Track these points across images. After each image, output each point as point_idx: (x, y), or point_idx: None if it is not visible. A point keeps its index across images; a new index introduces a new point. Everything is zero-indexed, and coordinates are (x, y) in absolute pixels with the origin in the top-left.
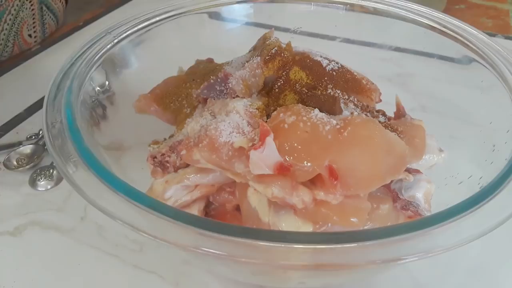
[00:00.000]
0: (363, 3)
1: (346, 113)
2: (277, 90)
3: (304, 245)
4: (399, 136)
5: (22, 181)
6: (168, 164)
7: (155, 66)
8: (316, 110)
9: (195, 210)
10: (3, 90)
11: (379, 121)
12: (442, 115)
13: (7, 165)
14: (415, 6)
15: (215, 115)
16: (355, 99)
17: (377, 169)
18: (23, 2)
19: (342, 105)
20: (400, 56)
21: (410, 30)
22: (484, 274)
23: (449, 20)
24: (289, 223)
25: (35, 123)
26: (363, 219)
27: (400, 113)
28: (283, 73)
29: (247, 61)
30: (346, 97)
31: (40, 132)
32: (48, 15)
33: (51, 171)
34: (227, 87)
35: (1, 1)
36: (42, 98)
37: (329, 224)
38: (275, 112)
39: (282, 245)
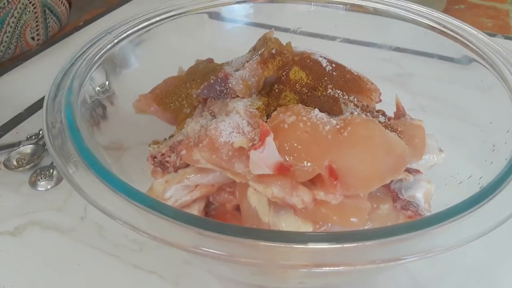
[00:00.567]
0: (363, 3)
1: (346, 113)
2: (277, 90)
3: (304, 245)
4: (399, 136)
5: (22, 181)
6: (168, 164)
7: (155, 66)
8: (316, 110)
9: (195, 210)
10: (3, 90)
11: (379, 121)
12: (442, 115)
13: (7, 165)
14: (415, 6)
15: (215, 115)
16: (355, 99)
17: (377, 169)
18: (26, 5)
19: (342, 105)
20: (400, 56)
21: (410, 30)
22: (484, 274)
23: (449, 20)
24: (289, 223)
25: (35, 123)
26: (363, 219)
27: (400, 113)
28: (283, 73)
29: (247, 61)
30: (346, 97)
31: (40, 132)
32: (51, 18)
33: (51, 171)
34: (227, 87)
35: (4, 4)
36: (42, 98)
37: (329, 224)
38: (275, 112)
39: (282, 245)
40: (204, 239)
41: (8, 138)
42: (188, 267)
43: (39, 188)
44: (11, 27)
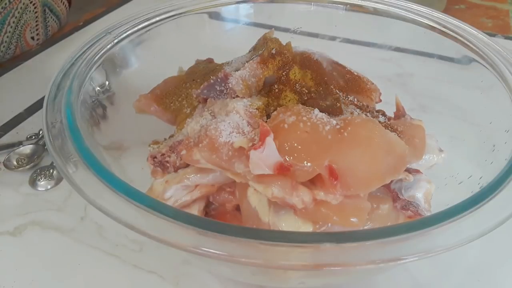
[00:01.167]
0: (363, 3)
1: (346, 113)
2: (277, 90)
3: (304, 245)
4: (399, 136)
5: (22, 181)
6: (168, 164)
7: (155, 66)
8: (316, 110)
9: (195, 210)
10: (3, 90)
11: (379, 121)
12: (442, 115)
13: (7, 165)
14: (415, 6)
15: (215, 115)
16: (355, 99)
17: (377, 169)
18: (27, 5)
19: (342, 105)
20: (400, 56)
21: (410, 30)
22: (484, 274)
23: (449, 20)
24: (289, 223)
25: (35, 123)
26: (363, 219)
27: (400, 113)
28: (283, 73)
29: (247, 61)
30: (346, 97)
31: (40, 132)
32: (51, 17)
33: (51, 171)
34: (227, 87)
35: (5, 4)
36: (42, 98)
37: (329, 224)
38: (275, 112)
39: (282, 245)
40: (204, 239)
41: (8, 138)
42: (188, 267)
43: (39, 188)
44: (11, 27)
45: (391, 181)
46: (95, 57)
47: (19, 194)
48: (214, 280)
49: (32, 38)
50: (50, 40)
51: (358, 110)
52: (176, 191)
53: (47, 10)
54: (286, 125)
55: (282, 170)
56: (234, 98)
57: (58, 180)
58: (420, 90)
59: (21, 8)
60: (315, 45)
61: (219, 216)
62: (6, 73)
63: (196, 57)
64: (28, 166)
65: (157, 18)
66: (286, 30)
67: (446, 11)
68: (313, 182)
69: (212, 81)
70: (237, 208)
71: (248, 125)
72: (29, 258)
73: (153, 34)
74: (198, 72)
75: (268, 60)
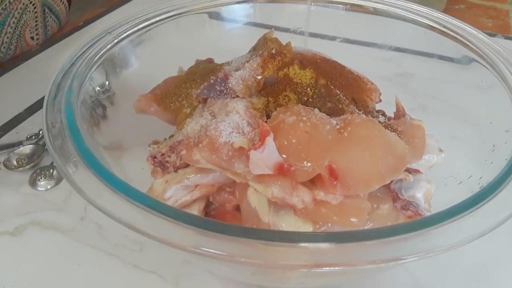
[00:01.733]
0: (363, 3)
1: (346, 113)
2: (277, 90)
3: (304, 245)
4: (399, 136)
5: (22, 181)
6: (168, 164)
7: (155, 66)
8: (316, 110)
9: (195, 210)
10: (3, 90)
11: (379, 121)
12: (442, 115)
13: (7, 165)
14: (415, 6)
15: (215, 115)
16: (355, 99)
17: (377, 169)
18: (27, 5)
19: (343, 106)
20: (400, 56)
21: (410, 30)
22: (484, 274)
23: (449, 20)
24: (289, 223)
25: (35, 123)
26: (363, 219)
27: (400, 113)
28: (283, 73)
29: (247, 61)
30: (346, 97)
31: (40, 132)
32: (51, 17)
33: (51, 171)
34: (227, 87)
35: (5, 5)
36: (42, 98)
37: (329, 224)
38: (275, 112)
39: (282, 245)
40: (204, 239)
41: (8, 138)
42: (188, 267)
43: (39, 188)
44: (11, 27)
45: (391, 181)
46: (95, 57)
47: (19, 194)
48: (214, 280)
49: (32, 38)
50: (50, 40)
51: (358, 110)
52: (176, 191)
53: (46, 10)
54: (286, 125)
55: (282, 170)
56: (234, 98)
57: (58, 180)
58: (420, 90)
59: (20, 8)
60: (315, 45)
61: (219, 216)
62: (6, 73)
63: (196, 57)
64: (28, 166)
65: (157, 18)
66: (286, 30)
67: (446, 11)
68: (313, 182)
69: (212, 81)
70: (237, 208)
71: (248, 125)
72: (29, 258)
73: (153, 34)
74: (198, 72)
75: (268, 60)
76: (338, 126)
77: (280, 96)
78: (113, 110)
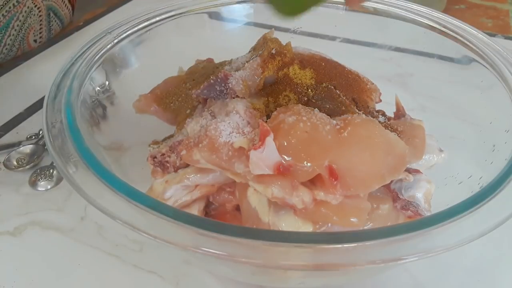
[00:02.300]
0: (363, 3)
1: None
2: (277, 90)
3: (304, 245)
4: (399, 136)
5: (22, 181)
6: (168, 164)
7: (155, 66)
8: (316, 110)
9: (195, 210)
10: (3, 90)
11: (379, 121)
12: (442, 115)
13: (7, 165)
14: (415, 6)
15: (215, 115)
16: (355, 99)
17: (377, 169)
18: (31, 9)
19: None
20: (400, 56)
21: (410, 30)
22: (484, 274)
23: (449, 20)
24: (289, 223)
25: (35, 123)
26: (363, 219)
27: (400, 113)
28: (283, 73)
29: (247, 61)
30: (347, 97)
31: (40, 132)
32: (55, 21)
33: (51, 171)
34: (227, 87)
35: (9, 7)
36: (42, 98)
37: (329, 224)
38: (275, 112)
39: (282, 245)
40: (204, 239)
41: (8, 138)
42: (188, 267)
43: (39, 188)
44: (15, 30)
45: (391, 181)
46: (95, 57)
47: (19, 194)
48: (214, 280)
49: (35, 41)
50: (50, 40)
51: (358, 110)
52: (176, 191)
53: (51, 14)
54: (286, 125)
55: (282, 170)
56: (234, 98)
57: (58, 180)
58: (420, 90)
59: (25, 11)
60: (315, 45)
61: (219, 216)
62: (6, 73)
63: (196, 57)
64: (28, 166)
65: (157, 18)
66: (286, 30)
67: (446, 11)
68: (313, 182)
69: (212, 81)
70: (237, 208)
71: (248, 125)
72: (29, 258)
73: (153, 34)
74: (198, 72)
75: (268, 60)
76: (338, 126)
77: (280, 96)
78: (113, 110)
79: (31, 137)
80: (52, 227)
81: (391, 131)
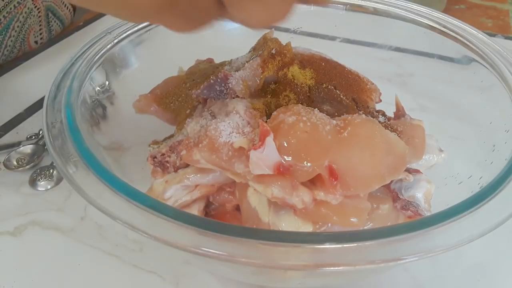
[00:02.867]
0: (363, 3)
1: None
2: (277, 90)
3: (304, 245)
4: (399, 136)
5: (22, 181)
6: (168, 164)
7: (155, 66)
8: (316, 110)
9: (195, 210)
10: (3, 90)
11: (379, 121)
12: (442, 115)
13: (7, 165)
14: (415, 6)
15: (215, 115)
16: (355, 99)
17: (377, 169)
18: (31, 10)
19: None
20: (400, 56)
21: (410, 30)
22: (484, 274)
23: (449, 20)
24: (289, 223)
25: (35, 123)
26: (363, 219)
27: (400, 113)
28: (283, 73)
29: (247, 61)
30: (347, 97)
31: (40, 132)
32: (55, 21)
33: (51, 171)
34: (227, 87)
35: (10, 9)
36: (42, 98)
37: (329, 224)
38: (275, 112)
39: (282, 245)
40: (204, 239)
41: (8, 138)
42: (188, 267)
43: (39, 188)
44: (15, 31)
45: (391, 181)
46: (95, 57)
47: (19, 194)
48: (214, 280)
49: (36, 42)
50: (50, 40)
51: (358, 110)
52: (176, 191)
53: (50, 15)
54: (286, 125)
55: (282, 170)
56: (234, 98)
57: (58, 180)
58: (420, 90)
59: (25, 12)
60: (315, 45)
61: (219, 216)
62: (6, 73)
63: (196, 57)
64: (28, 166)
65: None
66: (286, 30)
67: (446, 11)
68: (313, 182)
69: (212, 81)
70: (237, 208)
71: (248, 125)
72: (29, 258)
73: (153, 34)
74: (198, 72)
75: (268, 60)
76: (338, 126)
77: (280, 96)
78: (113, 110)
79: (31, 137)
80: (52, 227)
81: (391, 131)
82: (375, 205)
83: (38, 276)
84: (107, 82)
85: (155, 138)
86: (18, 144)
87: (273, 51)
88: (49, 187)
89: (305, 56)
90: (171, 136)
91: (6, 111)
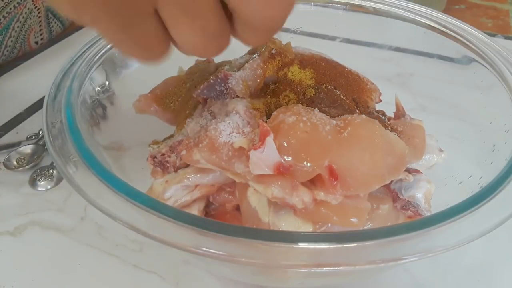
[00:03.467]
0: (363, 3)
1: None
2: (277, 90)
3: (303, 245)
4: (399, 136)
5: (22, 181)
6: (168, 164)
7: (155, 66)
8: (316, 110)
9: (195, 210)
10: (3, 90)
11: (379, 121)
12: (442, 115)
13: (7, 165)
14: (415, 6)
15: (215, 115)
16: (355, 99)
17: (377, 169)
18: (31, 10)
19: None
20: (400, 56)
21: (410, 30)
22: (484, 274)
23: (449, 20)
24: (289, 223)
25: (35, 123)
26: (363, 219)
27: (400, 113)
28: (283, 73)
29: (247, 61)
30: (347, 97)
31: (40, 132)
32: (55, 22)
33: (51, 171)
34: (227, 87)
35: (10, 9)
36: (42, 98)
37: (329, 224)
38: (275, 112)
39: (282, 245)
40: (204, 239)
41: (8, 138)
42: (188, 267)
43: (39, 188)
44: (15, 31)
45: (391, 181)
46: (95, 57)
47: (19, 194)
48: (214, 280)
49: (36, 42)
50: (50, 41)
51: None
52: (176, 191)
53: (50, 15)
54: (286, 125)
55: (282, 170)
56: (234, 98)
57: (58, 180)
58: (420, 90)
59: (25, 13)
60: (315, 45)
61: (219, 216)
62: (6, 73)
63: (196, 57)
64: (28, 166)
65: None
66: (286, 30)
67: (446, 11)
68: (313, 182)
69: (212, 81)
70: (237, 208)
71: (248, 125)
72: (29, 258)
73: None
74: (198, 72)
75: (268, 60)
76: (338, 127)
77: (280, 96)
78: (113, 110)
79: (31, 137)
80: (52, 227)
81: (391, 131)
82: (375, 205)
83: (38, 276)
84: (107, 82)
85: (155, 138)
86: (18, 144)
87: (273, 51)
88: (49, 187)
89: (305, 56)
90: (171, 136)
91: (6, 111)
